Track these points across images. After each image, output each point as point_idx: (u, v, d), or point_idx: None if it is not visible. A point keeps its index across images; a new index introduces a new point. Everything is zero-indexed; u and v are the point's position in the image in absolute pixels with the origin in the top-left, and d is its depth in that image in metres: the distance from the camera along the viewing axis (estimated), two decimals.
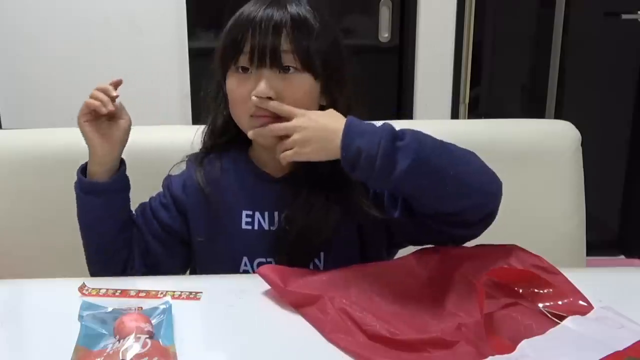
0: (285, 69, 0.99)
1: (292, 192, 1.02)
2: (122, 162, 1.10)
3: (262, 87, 0.98)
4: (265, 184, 1.07)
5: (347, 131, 0.90)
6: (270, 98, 0.98)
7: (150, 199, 1.17)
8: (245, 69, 1.00)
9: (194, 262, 1.15)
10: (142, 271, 1.12)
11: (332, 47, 1.03)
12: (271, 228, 1.06)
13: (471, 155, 0.96)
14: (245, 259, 1.07)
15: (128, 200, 1.11)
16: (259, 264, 1.06)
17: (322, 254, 1.05)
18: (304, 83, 1.01)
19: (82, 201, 1.08)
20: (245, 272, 1.08)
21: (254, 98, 0.98)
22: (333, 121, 0.93)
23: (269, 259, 1.06)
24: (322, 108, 1.04)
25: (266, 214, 1.07)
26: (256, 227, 1.07)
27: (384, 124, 0.91)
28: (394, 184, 0.91)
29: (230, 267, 1.08)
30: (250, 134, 1.01)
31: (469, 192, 0.94)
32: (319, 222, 1.01)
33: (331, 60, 1.02)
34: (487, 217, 0.98)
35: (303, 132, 0.94)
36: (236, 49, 1.00)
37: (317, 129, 0.94)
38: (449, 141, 1.37)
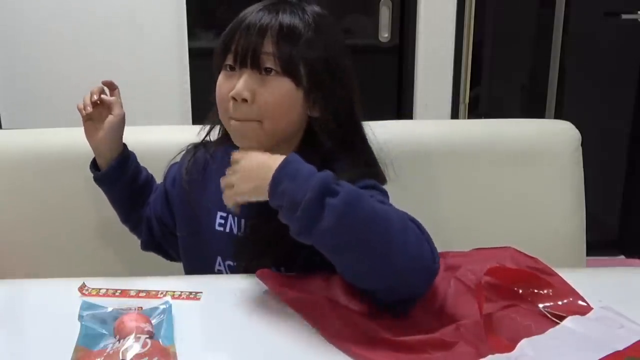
0: (266, 71, 0.98)
1: (261, 202, 0.97)
2: (122, 154, 1.18)
3: (239, 86, 0.98)
4: None
5: (280, 169, 0.86)
6: (245, 100, 0.98)
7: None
8: (232, 68, 1.01)
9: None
10: (150, 247, 1.24)
11: (323, 59, 1.01)
12: (238, 233, 1.08)
13: (409, 233, 0.85)
14: (219, 258, 1.10)
15: (130, 185, 1.21)
16: (229, 266, 1.09)
17: (282, 269, 1.03)
18: (281, 87, 0.99)
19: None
20: (220, 271, 1.10)
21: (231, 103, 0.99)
22: (272, 160, 0.88)
23: (235, 263, 1.08)
24: (311, 120, 1.03)
25: (236, 219, 1.08)
26: (227, 230, 1.09)
27: (323, 173, 0.84)
28: (313, 240, 0.84)
29: (207, 264, 1.10)
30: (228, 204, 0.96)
31: (385, 275, 0.85)
32: (278, 235, 0.96)
33: (318, 71, 1.00)
34: (402, 303, 0.89)
35: (240, 171, 0.92)
36: (225, 50, 1.01)
37: (253, 167, 0.91)
38: (448, 142, 1.38)
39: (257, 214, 1.02)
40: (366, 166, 1.06)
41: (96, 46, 2.36)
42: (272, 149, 0.96)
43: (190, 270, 1.17)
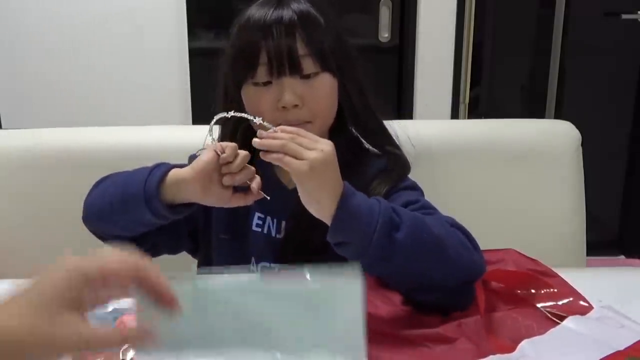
0: (306, 75, 0.98)
1: (300, 204, 0.93)
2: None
3: (287, 97, 0.96)
4: (279, 191, 1.05)
5: (341, 207, 0.81)
6: (296, 106, 0.97)
7: None
8: (266, 82, 0.98)
9: (209, 259, 1.13)
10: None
11: (339, 39, 1.03)
12: (277, 235, 1.06)
13: (461, 247, 0.88)
14: (253, 259, 1.08)
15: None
16: (263, 268, 1.07)
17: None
18: (325, 84, 1.00)
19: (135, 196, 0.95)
20: (252, 272, 1.08)
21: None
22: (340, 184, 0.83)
23: (272, 265, 1.06)
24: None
25: (275, 220, 1.07)
26: (265, 231, 1.07)
27: (381, 204, 0.83)
28: (375, 270, 0.86)
29: (240, 265, 1.08)
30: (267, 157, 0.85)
31: (440, 289, 0.88)
32: (320, 235, 0.98)
33: (341, 54, 1.02)
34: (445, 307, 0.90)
35: (324, 155, 0.82)
36: (252, 61, 0.97)
37: (334, 167, 0.84)
38: (448, 142, 1.38)
39: (297, 216, 1.00)
40: (394, 159, 1.07)
41: (96, 46, 2.36)
42: None
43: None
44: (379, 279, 0.95)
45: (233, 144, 0.91)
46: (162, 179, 0.93)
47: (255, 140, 0.85)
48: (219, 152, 0.90)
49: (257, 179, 0.93)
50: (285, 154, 0.82)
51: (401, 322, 0.85)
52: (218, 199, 0.93)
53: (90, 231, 1.07)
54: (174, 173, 0.94)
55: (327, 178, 0.82)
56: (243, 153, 0.92)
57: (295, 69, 0.97)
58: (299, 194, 0.84)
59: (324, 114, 1.01)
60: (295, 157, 0.82)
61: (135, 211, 0.95)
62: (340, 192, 0.82)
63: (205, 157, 0.91)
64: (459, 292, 0.88)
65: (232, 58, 1.01)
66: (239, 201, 0.94)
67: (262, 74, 0.98)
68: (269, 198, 0.93)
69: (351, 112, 1.05)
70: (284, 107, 0.97)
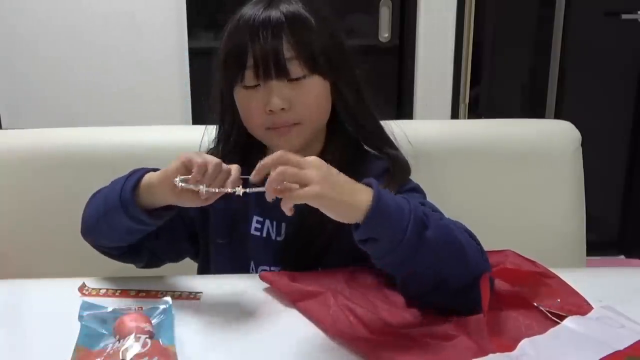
0: (294, 79, 0.97)
1: (300, 207, 0.88)
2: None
3: (274, 101, 0.96)
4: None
5: (375, 206, 0.78)
6: (283, 109, 0.97)
7: None
8: (255, 86, 0.98)
9: (207, 263, 1.13)
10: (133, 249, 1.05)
11: (332, 40, 1.02)
12: (277, 238, 1.06)
13: (472, 247, 0.88)
14: (252, 263, 1.08)
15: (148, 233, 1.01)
16: (262, 271, 1.06)
17: (319, 268, 1.03)
18: (314, 86, 0.99)
19: (112, 205, 0.95)
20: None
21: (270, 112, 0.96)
22: (358, 187, 0.80)
23: (272, 268, 1.06)
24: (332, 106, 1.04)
25: (274, 223, 1.07)
26: (264, 235, 1.07)
27: (411, 204, 0.81)
28: (401, 268, 0.85)
29: (239, 269, 1.08)
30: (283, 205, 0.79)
31: (452, 291, 0.87)
32: (321, 236, 0.97)
33: (334, 54, 1.01)
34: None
35: (318, 167, 0.79)
36: (240, 64, 0.98)
37: (341, 182, 0.80)
38: (448, 141, 1.38)
39: (299, 218, 0.97)
40: (394, 161, 1.06)
41: (96, 46, 2.37)
42: (307, 143, 0.97)
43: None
44: (379, 280, 0.95)
45: (217, 161, 0.86)
46: (137, 185, 0.93)
47: (267, 196, 0.79)
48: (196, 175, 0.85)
49: (230, 179, 0.86)
50: (286, 181, 0.77)
51: (401, 320, 0.85)
52: (192, 200, 0.89)
53: (90, 245, 1.08)
54: (146, 178, 0.94)
55: (337, 183, 0.79)
56: (228, 168, 0.87)
57: (281, 72, 0.96)
58: (325, 213, 0.80)
59: (313, 117, 1.01)
60: (298, 183, 0.77)
61: (116, 220, 0.95)
62: (360, 188, 0.79)
63: (173, 166, 0.88)
64: (468, 294, 0.86)
65: (223, 61, 1.02)
66: (214, 198, 0.88)
67: (249, 77, 0.98)
68: (248, 191, 0.85)
69: (347, 113, 1.05)
70: (271, 110, 0.97)
